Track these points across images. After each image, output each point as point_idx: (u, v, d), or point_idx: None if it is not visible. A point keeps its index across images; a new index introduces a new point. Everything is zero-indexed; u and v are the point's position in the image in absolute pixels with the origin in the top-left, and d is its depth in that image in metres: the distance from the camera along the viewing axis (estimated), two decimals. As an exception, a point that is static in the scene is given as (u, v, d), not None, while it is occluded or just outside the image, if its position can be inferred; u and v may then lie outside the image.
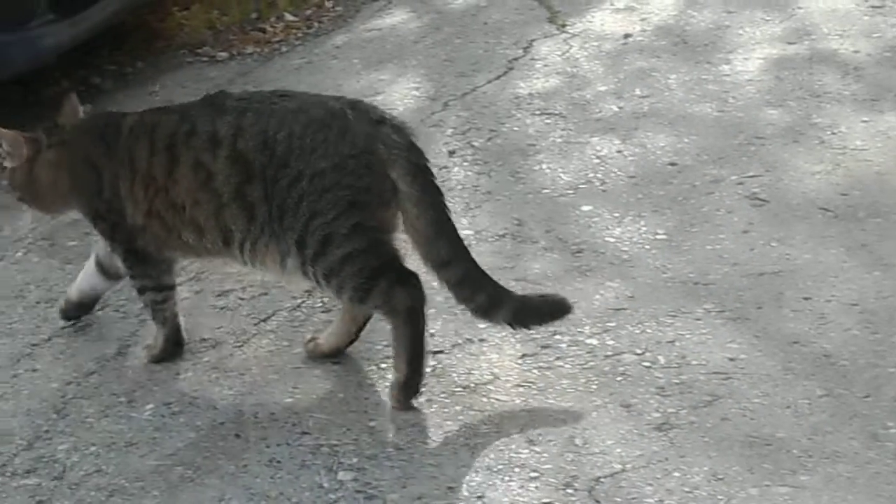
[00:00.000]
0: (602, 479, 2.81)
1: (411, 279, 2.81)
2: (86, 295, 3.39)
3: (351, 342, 3.09)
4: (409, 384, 2.87)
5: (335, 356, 3.14)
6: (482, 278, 2.83)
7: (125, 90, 5.18)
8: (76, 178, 3.06)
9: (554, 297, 3.01)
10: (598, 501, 2.75)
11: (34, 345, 3.46)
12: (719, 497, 2.74)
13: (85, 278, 3.37)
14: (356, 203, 2.72)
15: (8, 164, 3.15)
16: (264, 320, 3.46)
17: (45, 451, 3.01)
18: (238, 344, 3.37)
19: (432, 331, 3.30)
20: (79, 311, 3.42)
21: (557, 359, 3.21)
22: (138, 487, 2.85)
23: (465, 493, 2.77)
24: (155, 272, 3.04)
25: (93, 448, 3.00)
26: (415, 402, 2.96)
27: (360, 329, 3.07)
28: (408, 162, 2.73)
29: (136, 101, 4.98)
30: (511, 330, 3.08)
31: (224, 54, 5.44)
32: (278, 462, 2.90)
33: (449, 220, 2.80)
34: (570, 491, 2.78)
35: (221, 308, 3.52)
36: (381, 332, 3.19)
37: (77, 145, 3.07)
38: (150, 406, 3.14)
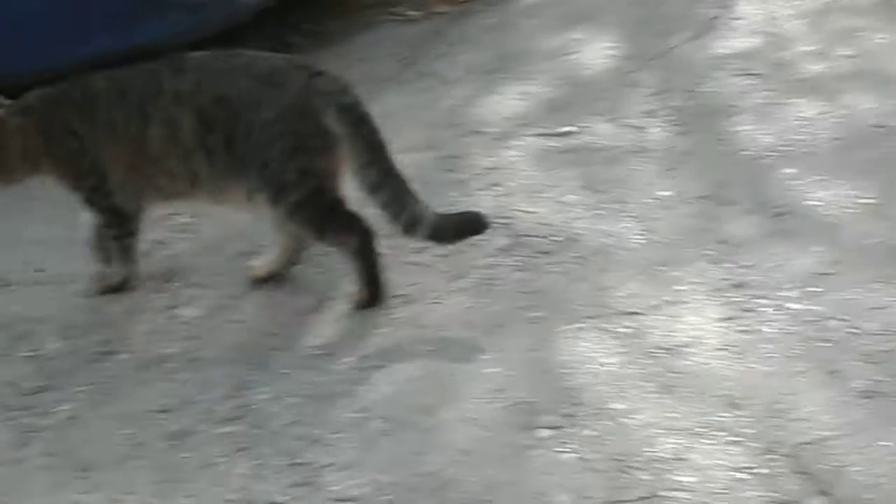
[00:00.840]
0: (805, 446, 2.73)
1: (356, 221, 3.19)
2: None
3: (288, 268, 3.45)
4: (370, 301, 3.26)
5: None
6: (406, 200, 3.13)
7: (320, 49, 5.22)
8: (53, 145, 3.26)
9: (471, 213, 3.29)
10: (801, 468, 2.68)
11: (233, 296, 3.51)
12: (929, 468, 2.65)
13: None
14: (299, 148, 3.08)
15: None
16: (459, 278, 3.46)
17: (246, 400, 3.05)
18: (433, 301, 3.37)
19: (631, 292, 3.26)
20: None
21: (759, 322, 3.14)
22: (336, 438, 2.87)
23: (664, 455, 2.73)
24: (130, 223, 3.37)
25: (292, 399, 3.03)
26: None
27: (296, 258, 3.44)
28: (338, 106, 3.08)
29: (332, 59, 5.03)
30: (431, 244, 3.31)
31: (417, 13, 5.44)
32: (474, 419, 2.89)
33: (380, 149, 3.13)
34: (772, 456, 2.71)
35: (417, 264, 3.53)
36: (581, 294, 3.16)
37: (50, 114, 3.28)
38: (348, 359, 3.16)
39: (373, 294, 3.25)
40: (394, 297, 3.37)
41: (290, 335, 3.30)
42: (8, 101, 3.33)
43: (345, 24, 5.40)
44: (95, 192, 3.30)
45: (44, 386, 3.19)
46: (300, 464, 2.82)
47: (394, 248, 3.59)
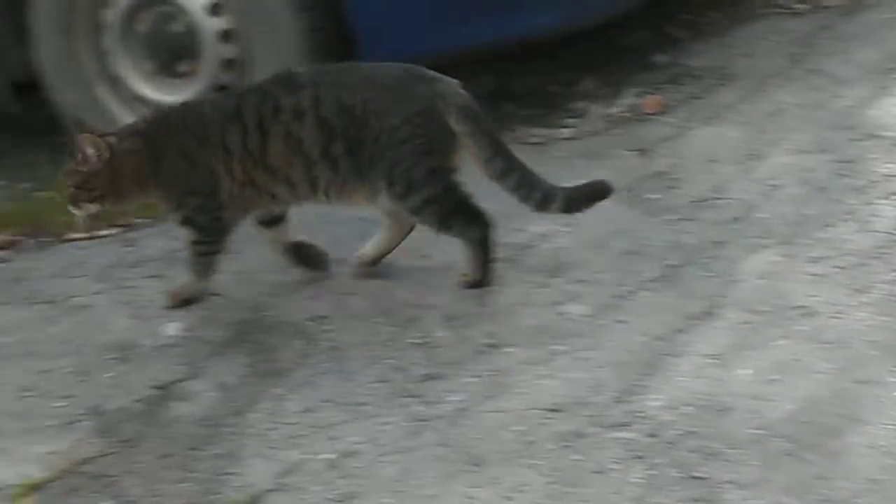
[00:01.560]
0: None
1: (480, 216, 3.44)
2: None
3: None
4: (480, 283, 3.49)
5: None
6: (534, 180, 3.39)
7: (700, 41, 5.09)
8: (162, 167, 3.45)
9: (596, 182, 3.49)
10: None
11: (619, 296, 3.44)
12: None
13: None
14: (428, 150, 3.33)
15: (86, 167, 3.42)
16: (862, 291, 3.28)
17: (637, 406, 2.97)
18: (834, 315, 3.21)
19: None
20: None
21: None
22: (736, 455, 2.76)
23: None
24: (223, 239, 3.51)
25: (686, 408, 2.93)
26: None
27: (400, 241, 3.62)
28: (458, 107, 3.33)
29: (713, 51, 4.90)
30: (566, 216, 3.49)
31: (804, 6, 5.23)
32: (884, 446, 2.72)
33: (500, 141, 3.40)
34: None
35: (815, 275, 3.37)
36: None
37: (161, 137, 3.46)
38: (742, 371, 3.04)
39: (485, 277, 3.50)
40: (791, 308, 3.23)
41: (681, 340, 3.20)
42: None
43: (727, 15, 5.25)
44: (199, 210, 3.47)
45: (433, 374, 3.19)
46: (697, 478, 2.71)
47: (788, 257, 3.45)
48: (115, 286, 3.78)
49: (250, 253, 3.74)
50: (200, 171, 3.43)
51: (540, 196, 3.38)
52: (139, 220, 4.20)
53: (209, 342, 3.44)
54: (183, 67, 4.56)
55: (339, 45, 4.41)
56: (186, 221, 3.50)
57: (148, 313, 3.61)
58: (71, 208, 3.53)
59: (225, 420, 3.12)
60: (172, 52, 4.57)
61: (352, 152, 3.35)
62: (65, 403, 3.25)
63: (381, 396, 3.12)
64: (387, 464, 2.89)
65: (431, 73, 3.41)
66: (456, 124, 3.33)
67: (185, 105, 3.64)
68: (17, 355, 3.53)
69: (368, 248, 3.63)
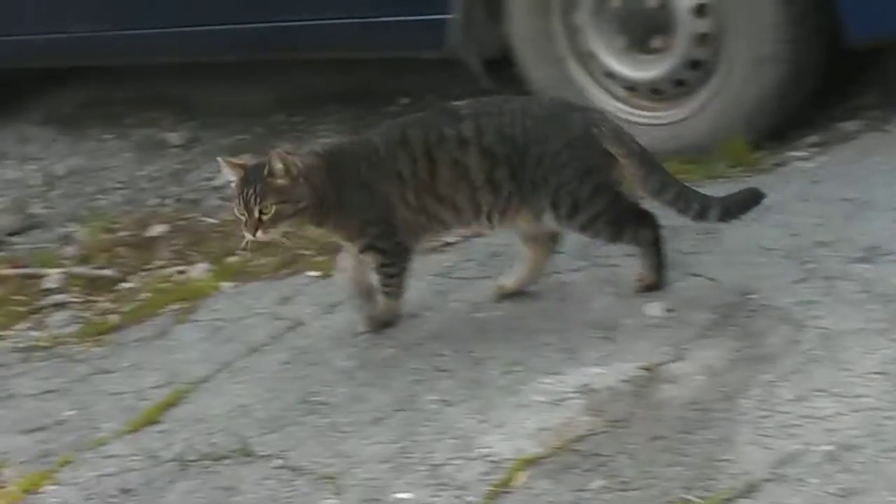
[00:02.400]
0: None
1: (649, 218, 3.57)
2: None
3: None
4: (657, 285, 3.59)
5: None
6: (690, 193, 3.51)
7: None
8: (342, 197, 3.57)
9: (748, 189, 3.58)
10: None
11: None
12: None
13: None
14: (590, 169, 3.49)
15: (285, 180, 3.47)
16: None
17: None
18: None
19: None
20: None
21: None
22: None
23: None
24: (409, 258, 3.64)
25: None
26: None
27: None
28: (612, 133, 3.51)
29: None
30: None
31: None
32: None
33: (653, 160, 3.53)
34: None
35: None
36: None
37: (340, 167, 3.59)
38: None
39: (660, 278, 3.60)
40: None
41: None
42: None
43: None
44: (380, 237, 3.60)
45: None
46: None
47: None
48: (593, 264, 3.80)
49: (733, 234, 3.68)
50: (377, 200, 3.57)
51: (697, 207, 3.49)
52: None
53: (693, 324, 3.39)
54: (655, 43, 4.53)
55: (818, 19, 4.27)
56: (369, 248, 3.62)
57: (628, 292, 3.60)
58: (251, 233, 3.52)
59: (714, 405, 3.06)
60: (645, 28, 4.54)
61: (514, 177, 3.52)
62: (553, 380, 3.28)
63: (881, 389, 2.99)
64: (890, 460, 2.76)
65: (578, 102, 3.82)
66: (611, 147, 3.49)
67: (357, 138, 3.85)
68: (500, 330, 3.61)
69: (510, 279, 3.77)
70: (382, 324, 3.72)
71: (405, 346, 3.63)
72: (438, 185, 3.54)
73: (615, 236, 3.56)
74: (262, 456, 3.27)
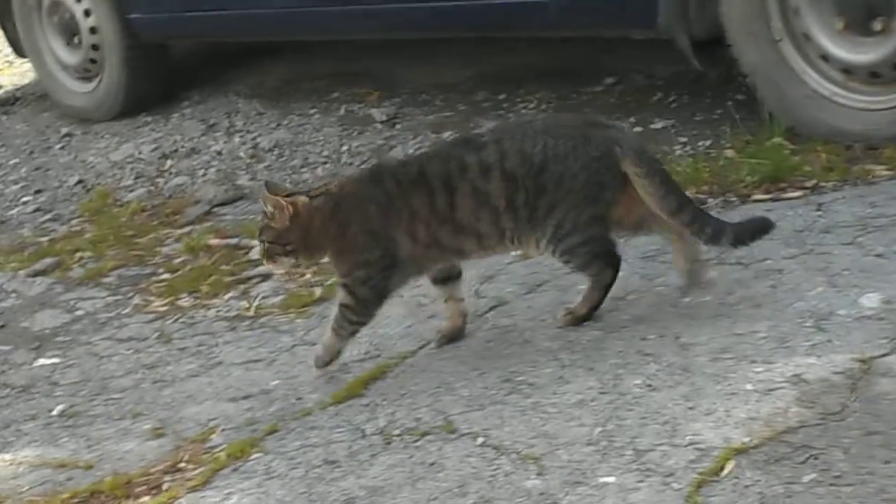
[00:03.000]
0: None
1: (617, 264, 3.63)
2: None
3: None
4: (585, 319, 3.66)
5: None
6: (705, 216, 3.57)
7: None
8: (345, 235, 3.59)
9: (758, 217, 3.65)
10: None
11: None
12: None
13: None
14: (597, 198, 3.52)
15: (275, 223, 3.59)
16: None
17: None
18: None
19: None
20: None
21: None
22: None
23: None
24: (374, 311, 3.66)
25: None
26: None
27: None
28: (634, 151, 3.50)
29: None
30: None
31: None
32: None
33: (671, 180, 3.56)
34: None
35: None
36: None
37: (347, 205, 3.61)
38: None
39: (590, 314, 3.67)
40: None
41: None
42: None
43: None
44: (362, 283, 3.61)
45: None
46: None
47: None
48: (806, 251, 3.71)
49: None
50: (379, 244, 3.58)
51: (711, 231, 3.51)
52: (825, 184, 4.10)
53: (912, 316, 3.29)
54: (875, 25, 4.38)
55: None
56: (346, 287, 3.65)
57: (843, 282, 3.50)
58: (266, 263, 3.73)
59: (934, 401, 2.96)
60: (864, 9, 4.40)
61: (528, 201, 3.53)
62: (763, 369, 3.21)
63: None
64: None
65: (605, 120, 3.83)
66: (631, 166, 3.48)
67: (369, 173, 3.79)
68: (707, 316, 3.54)
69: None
70: (326, 363, 3.77)
71: (610, 329, 3.59)
72: (459, 215, 3.55)
73: (585, 266, 3.61)
74: (466, 433, 3.27)
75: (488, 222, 3.55)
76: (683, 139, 4.84)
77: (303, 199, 3.64)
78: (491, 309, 3.92)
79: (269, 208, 3.61)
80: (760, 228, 3.55)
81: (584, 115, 3.90)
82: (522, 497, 2.97)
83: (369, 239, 3.59)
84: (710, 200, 4.25)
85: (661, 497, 2.85)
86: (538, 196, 3.51)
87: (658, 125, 5.02)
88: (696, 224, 3.51)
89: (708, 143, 4.70)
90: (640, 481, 2.92)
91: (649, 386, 3.27)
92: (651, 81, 5.38)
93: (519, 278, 4.05)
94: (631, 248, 4.00)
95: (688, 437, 3.02)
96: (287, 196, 3.65)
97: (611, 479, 2.96)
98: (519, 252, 3.81)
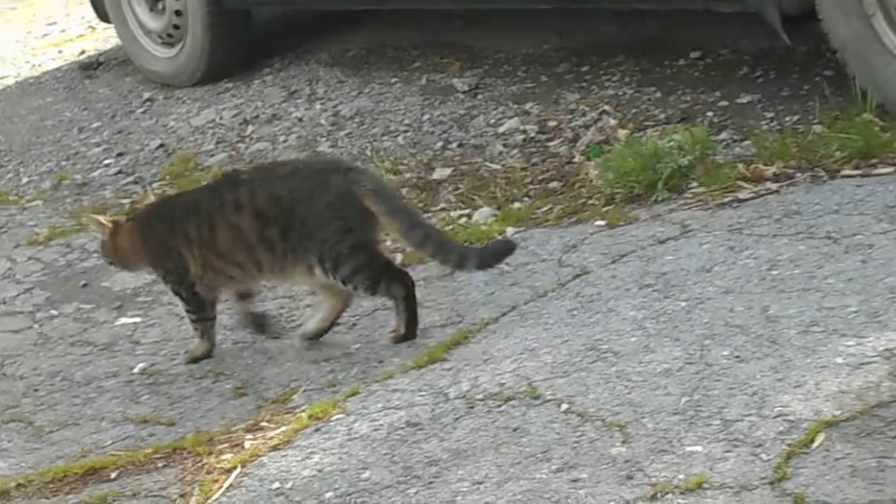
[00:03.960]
0: None
1: (402, 276, 3.90)
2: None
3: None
4: (407, 336, 3.86)
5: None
6: (449, 244, 3.88)
7: None
8: (150, 248, 4.08)
9: (500, 240, 4.17)
10: None
11: None
12: None
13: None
14: (349, 229, 3.81)
15: (102, 238, 4.14)
16: None
17: None
18: None
19: None
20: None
21: None
22: None
23: None
24: (206, 308, 4.08)
25: None
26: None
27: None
28: (373, 192, 3.82)
29: None
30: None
31: None
32: None
33: (413, 214, 3.97)
34: None
35: None
36: None
37: (147, 225, 4.11)
38: None
39: (411, 331, 3.87)
40: None
41: None
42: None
43: None
44: (179, 285, 4.05)
45: None
46: None
47: None
48: (899, 227, 3.66)
49: None
50: (173, 259, 4.02)
51: (456, 258, 3.81)
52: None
53: None
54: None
55: None
56: (173, 292, 4.12)
57: (935, 257, 3.45)
58: None
59: None
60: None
61: (284, 236, 3.85)
62: (854, 343, 3.16)
63: None
64: None
65: (348, 163, 4.33)
66: (373, 204, 3.77)
67: (160, 202, 4.48)
68: (796, 289, 3.50)
69: (309, 325, 4.02)
70: (196, 359, 4.09)
71: (696, 300, 3.56)
72: (218, 244, 3.94)
73: (372, 289, 3.85)
74: (550, 399, 3.25)
75: (244, 253, 3.92)
76: (770, 114, 4.77)
77: (122, 220, 4.21)
78: (574, 278, 3.90)
79: (93, 227, 4.23)
80: (504, 250, 3.92)
81: (332, 160, 4.51)
82: (607, 464, 2.95)
83: (166, 254, 4.04)
84: (798, 175, 4.19)
85: (749, 467, 2.82)
86: (290, 232, 3.85)
87: (744, 100, 4.95)
88: (441, 254, 3.83)
89: (795, 118, 4.64)
90: (728, 451, 2.89)
91: (737, 357, 3.24)
92: (737, 56, 5.30)
93: (603, 248, 4.03)
94: (717, 219, 3.96)
95: (777, 409, 2.99)
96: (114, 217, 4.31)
97: (698, 448, 2.93)
98: (289, 281, 4.15)
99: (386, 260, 3.94)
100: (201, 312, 4.08)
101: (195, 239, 3.97)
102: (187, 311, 4.11)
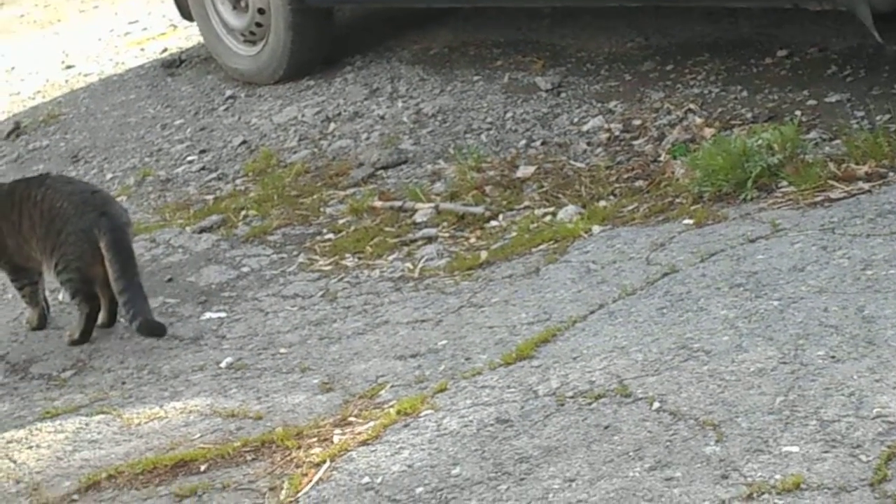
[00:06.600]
0: None
1: (93, 301, 4.51)
2: None
3: None
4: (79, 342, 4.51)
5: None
6: (139, 304, 4.38)
7: None
8: None
9: (156, 322, 4.42)
10: None
11: None
12: None
13: None
14: (81, 255, 4.44)
15: None
16: None
17: None
18: None
19: None
20: None
21: None
22: None
23: None
24: (25, 277, 4.66)
25: None
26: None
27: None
28: (109, 234, 4.39)
29: None
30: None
31: None
32: None
33: (129, 269, 4.41)
34: None
35: None
36: None
37: None
38: None
39: (82, 338, 4.51)
40: None
41: None
42: None
43: None
44: (2, 258, 4.67)
45: None
46: None
47: None
48: None
49: None
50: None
51: (131, 315, 4.29)
52: None
53: None
54: None
55: None
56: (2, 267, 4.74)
57: None
58: None
59: None
60: None
61: (47, 238, 4.47)
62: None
63: None
64: None
65: (112, 208, 4.53)
66: (103, 248, 4.35)
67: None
68: (892, 289, 3.44)
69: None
70: (32, 327, 4.67)
71: (789, 300, 3.51)
72: (22, 229, 4.55)
73: (72, 297, 4.49)
74: (641, 398, 3.23)
75: (35, 240, 4.51)
76: (860, 113, 4.71)
77: None
78: (663, 276, 3.86)
79: None
80: (157, 329, 4.33)
81: (97, 192, 4.70)
82: (701, 463, 2.92)
83: None
84: (892, 174, 4.13)
85: (848, 468, 2.78)
86: (50, 237, 4.47)
87: (832, 98, 4.89)
88: (125, 306, 4.31)
89: (887, 117, 4.57)
90: (826, 452, 2.86)
91: (833, 357, 3.19)
92: (825, 54, 5.23)
93: (691, 246, 3.99)
94: (808, 218, 3.91)
95: (875, 410, 2.94)
96: None
97: (794, 449, 2.89)
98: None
99: (90, 285, 4.47)
100: (19, 283, 4.68)
101: (8, 221, 4.61)
102: (10, 280, 4.74)
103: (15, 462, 3.70)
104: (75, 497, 3.47)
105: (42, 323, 4.66)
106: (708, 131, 4.85)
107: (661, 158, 4.76)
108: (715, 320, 3.50)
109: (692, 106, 5.13)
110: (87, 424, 3.84)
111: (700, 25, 5.75)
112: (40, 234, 4.50)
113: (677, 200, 4.39)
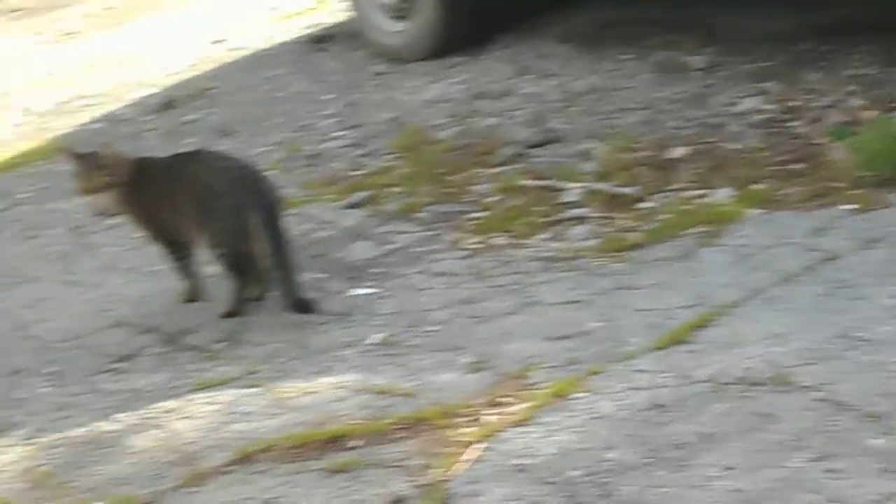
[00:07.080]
0: None
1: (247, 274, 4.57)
2: None
3: None
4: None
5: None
6: (293, 281, 4.43)
7: None
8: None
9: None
10: None
11: None
12: None
13: None
14: (232, 231, 4.54)
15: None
16: None
17: None
18: None
19: None
20: None
21: None
22: None
23: None
24: (180, 250, 4.69)
25: None
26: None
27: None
28: (262, 213, 4.48)
29: None
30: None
31: None
32: None
33: (281, 242, 4.46)
34: None
35: None
36: None
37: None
38: None
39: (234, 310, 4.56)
40: None
41: None
42: None
43: None
44: (152, 238, 4.75)
45: None
46: None
47: None
48: None
49: None
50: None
51: (281, 293, 4.36)
52: None
53: None
54: None
55: None
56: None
57: None
58: None
59: None
60: None
61: (200, 213, 4.49)
62: None
63: None
64: None
65: (259, 177, 4.61)
66: (255, 223, 4.37)
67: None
68: None
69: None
70: (185, 299, 4.69)
71: (959, 291, 3.42)
72: (176, 205, 4.57)
73: (226, 273, 4.51)
74: (802, 387, 3.16)
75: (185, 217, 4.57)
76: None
77: None
78: (823, 262, 3.77)
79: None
80: (308, 305, 4.32)
81: (256, 177, 4.63)
82: (866, 455, 2.85)
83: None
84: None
85: None
86: (200, 213, 4.50)
87: None
88: (277, 282, 4.37)
89: None
90: None
91: None
92: None
93: (853, 232, 3.90)
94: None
95: None
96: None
97: (963, 445, 2.81)
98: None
99: (251, 258, 4.46)
100: (171, 258, 4.71)
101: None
102: (166, 255, 4.73)
103: (171, 432, 3.76)
104: (230, 468, 3.51)
105: (195, 295, 4.70)
106: (868, 114, 4.73)
107: (819, 141, 4.66)
108: (879, 309, 3.42)
109: (851, 87, 5.01)
110: (239, 397, 3.88)
111: (866, 6, 5.59)
112: (193, 210, 4.55)
113: (836, 185, 4.29)
